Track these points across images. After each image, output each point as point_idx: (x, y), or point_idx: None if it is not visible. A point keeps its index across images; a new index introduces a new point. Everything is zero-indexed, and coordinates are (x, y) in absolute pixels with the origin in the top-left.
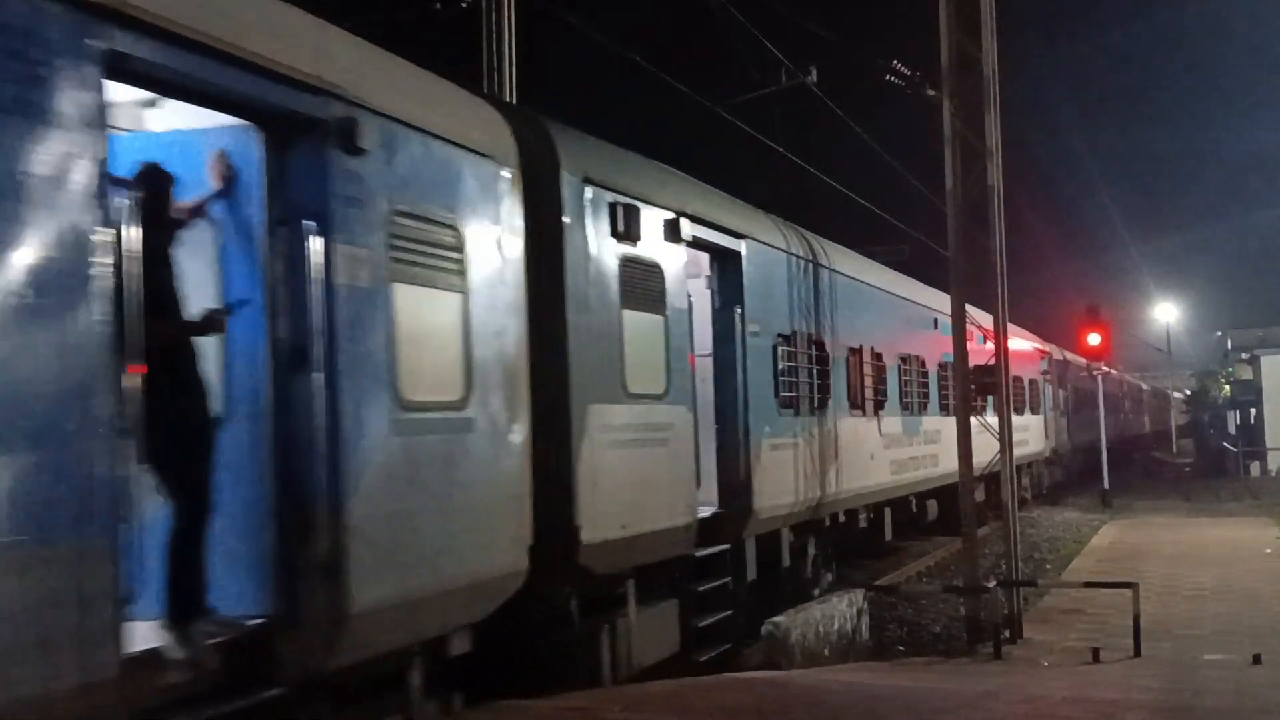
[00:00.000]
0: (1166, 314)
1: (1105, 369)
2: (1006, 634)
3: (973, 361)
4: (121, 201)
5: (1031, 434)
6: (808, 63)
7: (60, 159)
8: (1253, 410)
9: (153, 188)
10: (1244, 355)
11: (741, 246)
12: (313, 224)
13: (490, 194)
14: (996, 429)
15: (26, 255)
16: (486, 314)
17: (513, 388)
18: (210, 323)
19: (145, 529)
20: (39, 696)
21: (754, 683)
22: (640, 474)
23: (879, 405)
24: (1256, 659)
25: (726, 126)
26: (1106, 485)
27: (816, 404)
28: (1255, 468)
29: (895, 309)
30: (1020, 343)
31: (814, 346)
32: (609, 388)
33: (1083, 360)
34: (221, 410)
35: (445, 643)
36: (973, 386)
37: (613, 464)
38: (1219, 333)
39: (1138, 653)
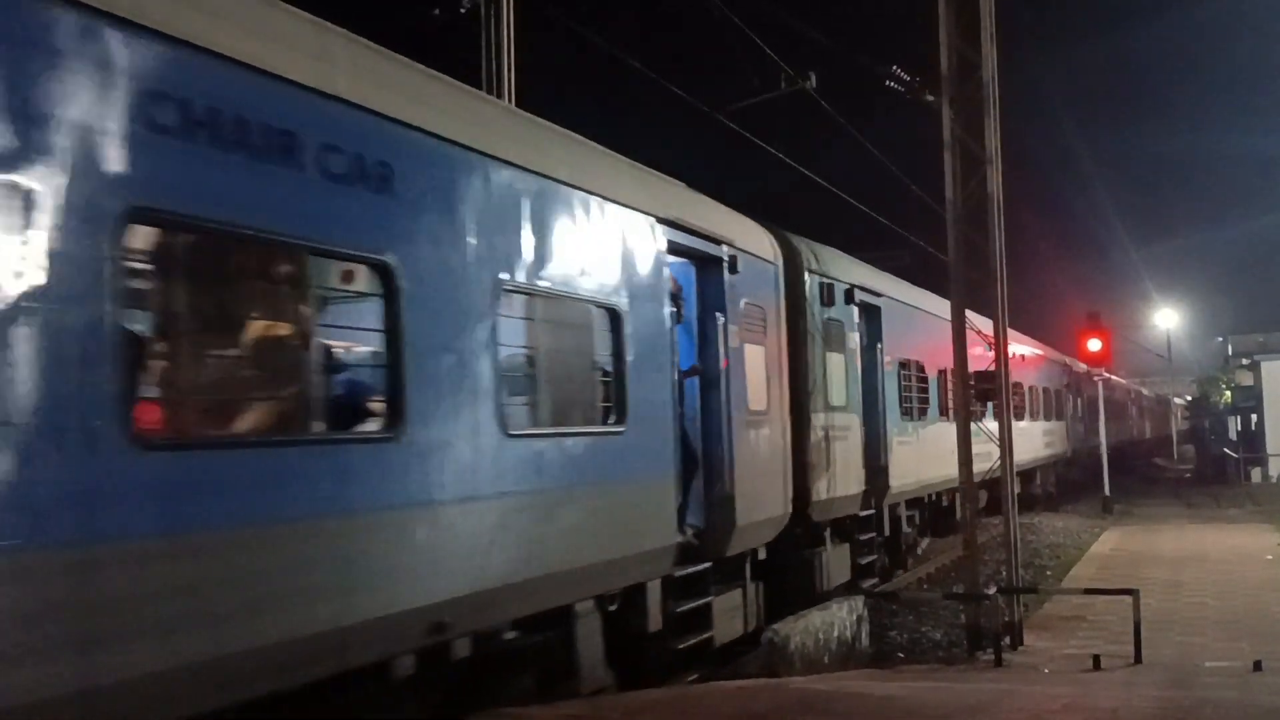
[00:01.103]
0: (1167, 320)
1: (1106, 375)
2: (1007, 641)
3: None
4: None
5: (1057, 437)
6: (807, 68)
7: (660, 294)
8: (1253, 416)
9: (674, 300)
10: (1244, 361)
11: (881, 303)
12: (720, 315)
13: (772, 284)
14: (1043, 430)
15: (653, 337)
16: (772, 357)
17: (783, 401)
18: (695, 370)
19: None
20: (663, 549)
21: (751, 689)
22: (835, 458)
23: None
24: (1257, 666)
25: (726, 131)
26: (1107, 491)
27: (921, 412)
28: (1256, 473)
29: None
30: (1049, 357)
31: (918, 369)
32: (820, 401)
33: (1126, 383)
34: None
35: (756, 552)
36: (977, 392)
37: (822, 451)
38: (1219, 338)
39: (1139, 659)
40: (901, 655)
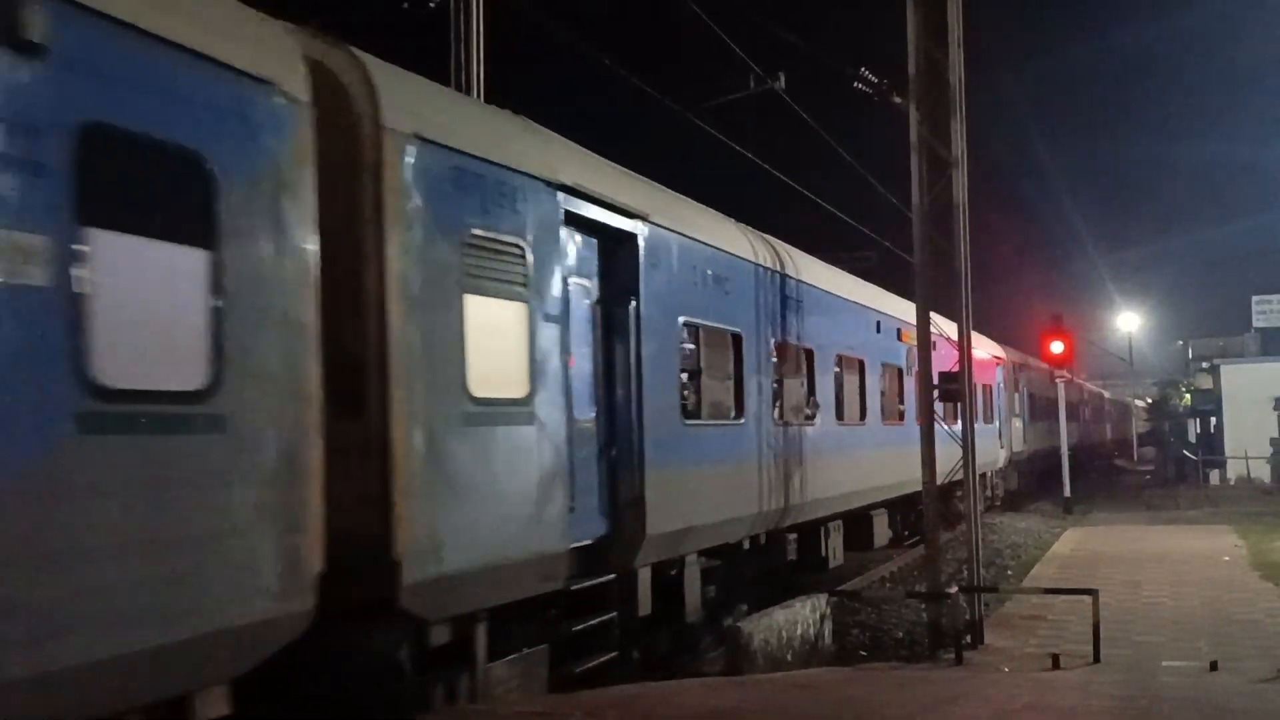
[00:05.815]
0: (1129, 323)
1: (1069, 376)
2: (968, 640)
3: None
4: None
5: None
6: (777, 68)
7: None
8: (1213, 419)
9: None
10: (1205, 365)
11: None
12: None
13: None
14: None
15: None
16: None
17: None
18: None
19: None
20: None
21: (714, 686)
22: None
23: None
24: (1214, 666)
25: (695, 130)
26: (1068, 492)
27: (1031, 414)
28: (1215, 476)
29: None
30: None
31: (1033, 397)
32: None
33: (1095, 388)
34: None
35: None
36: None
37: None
38: (1180, 342)
39: (1097, 659)
40: (864, 653)
